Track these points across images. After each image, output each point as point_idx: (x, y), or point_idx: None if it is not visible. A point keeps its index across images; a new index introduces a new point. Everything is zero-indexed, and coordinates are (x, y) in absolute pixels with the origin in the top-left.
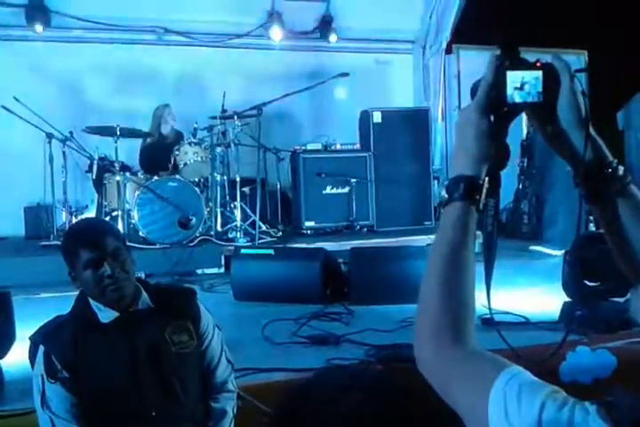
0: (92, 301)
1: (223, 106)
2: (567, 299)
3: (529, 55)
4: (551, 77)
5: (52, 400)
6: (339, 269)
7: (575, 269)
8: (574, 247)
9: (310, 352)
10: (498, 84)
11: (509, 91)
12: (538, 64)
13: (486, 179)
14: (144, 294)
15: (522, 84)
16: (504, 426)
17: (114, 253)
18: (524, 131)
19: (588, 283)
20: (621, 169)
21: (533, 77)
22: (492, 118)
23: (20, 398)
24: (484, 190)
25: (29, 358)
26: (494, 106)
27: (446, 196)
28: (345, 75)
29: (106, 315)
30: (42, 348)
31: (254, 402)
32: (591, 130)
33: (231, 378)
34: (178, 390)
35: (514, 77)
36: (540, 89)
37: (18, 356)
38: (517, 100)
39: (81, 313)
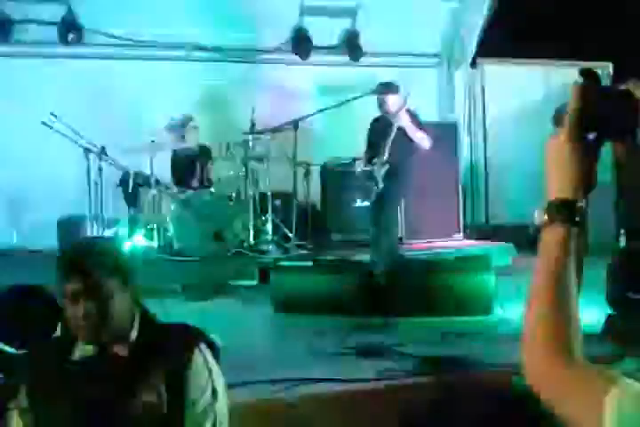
0: None
1: (252, 121)
2: (609, 311)
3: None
4: (633, 102)
5: None
6: (376, 280)
7: (619, 281)
8: (618, 258)
9: (358, 363)
10: (584, 110)
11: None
12: (618, 90)
13: (584, 201)
14: (133, 335)
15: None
16: None
17: (94, 291)
18: None
19: (631, 295)
20: None
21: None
22: (583, 143)
23: None
24: (583, 212)
25: None
26: (584, 131)
27: (546, 218)
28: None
29: (81, 350)
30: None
31: None
32: None
33: None
34: None
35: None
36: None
37: None
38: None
39: (63, 340)
